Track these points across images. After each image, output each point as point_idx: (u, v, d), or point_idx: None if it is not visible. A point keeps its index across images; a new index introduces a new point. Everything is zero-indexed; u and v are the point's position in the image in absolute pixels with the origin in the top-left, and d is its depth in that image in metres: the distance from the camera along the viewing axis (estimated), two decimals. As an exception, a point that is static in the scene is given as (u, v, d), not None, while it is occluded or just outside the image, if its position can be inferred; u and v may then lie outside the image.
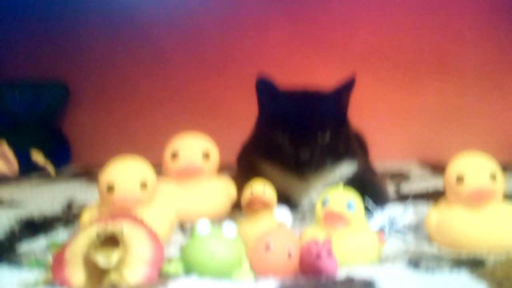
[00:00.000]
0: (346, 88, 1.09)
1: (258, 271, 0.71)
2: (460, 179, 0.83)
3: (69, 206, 1.19)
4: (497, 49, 1.89)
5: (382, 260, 0.78)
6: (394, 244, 0.86)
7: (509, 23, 1.89)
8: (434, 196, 1.10)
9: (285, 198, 1.06)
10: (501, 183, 0.84)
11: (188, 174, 1.07)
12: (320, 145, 1.05)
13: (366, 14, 1.91)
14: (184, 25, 1.96)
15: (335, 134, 1.07)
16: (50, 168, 1.72)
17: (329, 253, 0.68)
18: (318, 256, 0.67)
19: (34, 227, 1.00)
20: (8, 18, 1.98)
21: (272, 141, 1.07)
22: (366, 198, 0.93)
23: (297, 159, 1.03)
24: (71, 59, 1.98)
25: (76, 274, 0.67)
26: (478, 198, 0.82)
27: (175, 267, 0.70)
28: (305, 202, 1.11)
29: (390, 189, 1.34)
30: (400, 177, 1.54)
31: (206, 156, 1.08)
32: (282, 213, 0.97)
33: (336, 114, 1.10)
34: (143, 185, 0.89)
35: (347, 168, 1.12)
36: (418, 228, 0.94)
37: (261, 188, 0.86)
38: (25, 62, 1.99)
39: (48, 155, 1.75)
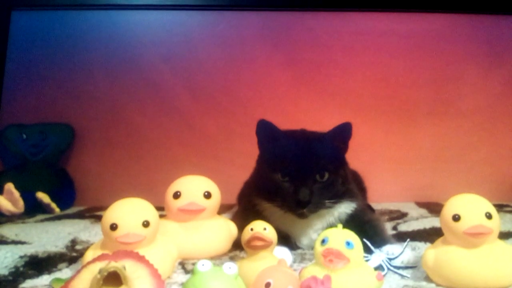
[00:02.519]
0: (342, 131, 1.12)
1: (258, 309, 0.71)
2: (456, 219, 0.84)
3: (73, 244, 1.20)
4: (490, 94, 1.95)
5: (380, 298, 0.78)
6: (392, 282, 0.87)
7: (501, 70, 1.94)
8: (431, 236, 1.11)
9: (285, 238, 1.07)
10: (496, 222, 0.85)
11: (190, 213, 1.08)
12: (319, 186, 1.07)
13: (361, 61, 1.97)
14: (188, 70, 2.00)
15: (334, 175, 1.09)
16: (55, 208, 1.73)
17: (328, 290, 0.69)
18: (317, 293, 0.68)
19: (38, 264, 1.01)
20: (16, 61, 2.02)
21: (271, 181, 1.09)
22: (365, 237, 0.94)
23: (296, 199, 1.05)
24: (77, 101, 2.01)
25: (79, 311, 0.67)
26: (474, 237, 0.83)
27: (176, 304, 0.71)
28: (304, 241, 1.12)
29: (388, 228, 1.35)
30: (397, 216, 1.55)
31: (208, 195, 1.10)
32: (282, 252, 0.99)
33: (334, 155, 1.12)
34: (146, 224, 0.91)
35: (345, 208, 1.14)
36: (416, 267, 0.95)
37: (262, 226, 0.88)
38: (32, 104, 2.01)
39: (53, 195, 1.76)
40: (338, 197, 1.11)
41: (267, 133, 1.13)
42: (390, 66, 1.96)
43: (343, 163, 1.15)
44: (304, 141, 1.12)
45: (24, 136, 1.89)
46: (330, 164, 1.09)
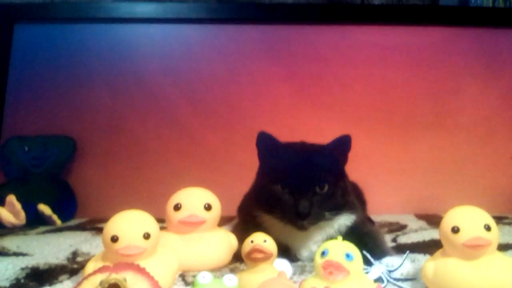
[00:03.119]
0: (341, 143, 1.13)
1: (258, 321, 0.72)
2: (455, 230, 0.85)
3: (74, 256, 1.20)
4: (488, 107, 1.96)
5: (379, 310, 0.79)
6: (392, 295, 0.87)
7: (500, 83, 1.95)
8: (431, 247, 1.11)
9: (285, 250, 1.08)
10: (495, 234, 0.85)
11: (190, 225, 1.09)
12: (319, 197, 1.07)
13: (361, 74, 1.98)
14: (189, 83, 2.01)
15: (333, 186, 1.09)
16: (56, 220, 1.74)
17: (328, 302, 0.69)
18: (317, 305, 0.68)
19: (39, 276, 1.02)
20: (19, 74, 2.04)
21: (271, 193, 1.09)
22: (364, 249, 0.94)
23: (296, 211, 1.05)
24: (79, 114, 2.01)
25: (80, 323, 0.68)
26: (473, 248, 0.83)
27: (176, 316, 0.71)
28: (304, 253, 1.12)
29: (388, 240, 1.35)
30: (397, 228, 1.55)
31: (208, 208, 1.11)
32: (282, 264, 0.99)
33: (334, 167, 1.13)
34: (146, 236, 0.91)
35: (345, 220, 1.14)
36: (415, 279, 0.95)
37: (262, 238, 0.88)
38: (34, 116, 2.02)
39: (54, 207, 1.76)
40: (338, 209, 1.12)
41: (267, 145, 1.14)
42: (389, 79, 1.97)
43: (342, 175, 1.16)
44: (304, 153, 1.13)
45: (26, 148, 1.89)
46: (330, 176, 1.09)
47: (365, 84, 1.97)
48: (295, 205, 1.05)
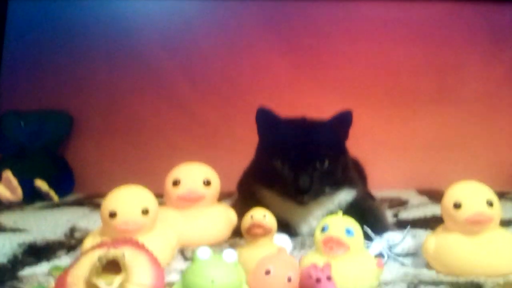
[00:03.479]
0: (342, 119, 1.12)
1: (258, 296, 0.71)
2: (457, 206, 0.84)
3: (72, 232, 1.19)
4: (491, 82, 1.93)
5: (380, 285, 0.79)
6: (393, 270, 0.87)
7: (503, 58, 1.93)
8: (432, 223, 1.11)
9: (284, 225, 1.07)
10: (497, 210, 0.85)
11: (189, 200, 1.08)
12: (319, 173, 1.06)
13: (363, 48, 1.96)
14: (187, 57, 1.99)
15: (334, 162, 1.09)
16: (53, 196, 1.73)
17: (329, 277, 0.68)
18: (318, 280, 0.67)
19: (36, 252, 1.01)
20: (14, 49, 2.01)
21: (271, 168, 1.08)
22: (365, 224, 0.94)
23: (296, 186, 1.04)
24: (76, 89, 2.00)
25: (78, 299, 0.67)
26: (475, 224, 0.83)
27: (175, 292, 0.71)
28: (304, 229, 1.12)
29: (389, 215, 1.35)
30: (398, 204, 1.55)
31: (207, 183, 1.10)
32: (282, 239, 0.99)
33: (335, 143, 1.12)
34: (145, 212, 0.91)
35: (346, 195, 1.14)
36: (416, 254, 0.95)
37: (262, 214, 0.87)
38: (30, 92, 2.01)
39: (51, 183, 1.76)
40: (338, 184, 1.11)
41: (266, 120, 1.13)
42: (391, 54, 1.95)
43: (343, 150, 1.15)
44: (304, 128, 1.12)
45: (22, 123, 1.88)
46: (330, 151, 1.09)
47: (366, 59, 1.95)
48: (295, 180, 1.05)
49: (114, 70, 2.00)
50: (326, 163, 1.07)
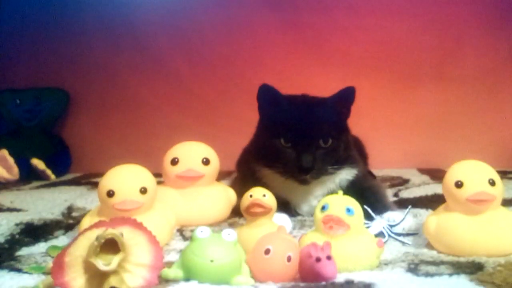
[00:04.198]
0: (345, 96, 1.10)
1: (258, 276, 0.71)
2: (459, 185, 0.83)
3: (69, 212, 1.19)
4: (495, 58, 1.91)
5: (381, 265, 0.78)
6: (393, 249, 0.87)
7: (507, 33, 1.90)
8: (433, 202, 1.10)
9: (284, 204, 1.07)
10: (499, 189, 0.84)
11: (188, 179, 1.08)
12: (322, 151, 1.05)
13: (364, 23, 1.93)
14: (186, 34, 1.97)
15: (337, 140, 1.08)
16: (50, 175, 1.73)
17: (329, 257, 0.68)
18: (318, 259, 0.67)
19: (34, 231, 1.01)
20: (9, 26, 1.99)
21: (273, 147, 1.07)
22: (366, 203, 0.93)
23: (299, 165, 1.03)
24: (72, 66, 1.99)
25: (76, 279, 0.67)
26: (477, 203, 0.82)
27: (174, 271, 0.70)
28: (304, 208, 1.11)
29: (390, 194, 1.34)
30: (399, 183, 1.55)
31: (206, 162, 1.09)
32: (282, 219, 0.98)
33: (337, 121, 1.11)
34: (143, 191, 0.90)
35: (346, 174, 1.13)
36: (417, 234, 0.94)
37: (261, 193, 0.87)
38: (26, 69, 1.99)
39: (48, 161, 1.75)
40: (341, 163, 1.10)
41: (269, 98, 1.11)
42: (393, 30, 1.92)
43: (345, 128, 1.14)
44: (307, 106, 1.10)
45: (18, 101, 1.87)
46: (333, 129, 1.07)
47: (368, 35, 1.92)
48: (298, 159, 1.03)
49: (111, 47, 1.98)
50: (330, 141, 1.06)
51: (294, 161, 1.04)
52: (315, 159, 1.04)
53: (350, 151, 1.14)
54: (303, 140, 1.04)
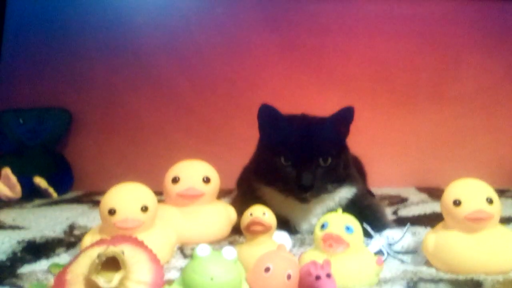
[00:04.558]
0: (344, 115, 1.11)
1: (258, 293, 0.71)
2: (457, 203, 0.84)
3: (71, 230, 1.19)
4: (492, 77, 1.92)
5: (380, 283, 0.78)
6: (392, 267, 0.87)
7: (504, 53, 1.92)
8: (432, 220, 1.10)
9: (284, 223, 1.07)
10: (497, 207, 0.84)
11: (189, 198, 1.08)
12: (322, 170, 1.06)
13: (362, 45, 1.94)
14: (186, 55, 1.98)
15: (336, 159, 1.08)
16: (53, 193, 1.73)
17: (328, 274, 0.68)
18: (318, 277, 0.67)
19: (35, 249, 1.01)
20: (13, 45, 2.00)
21: (273, 165, 1.08)
22: (365, 221, 0.93)
23: (299, 184, 1.04)
24: (74, 86, 1.99)
25: (77, 296, 0.67)
26: (475, 222, 0.83)
27: (175, 289, 0.71)
28: (304, 226, 1.12)
29: (388, 212, 1.35)
30: (398, 201, 1.55)
31: (207, 180, 1.09)
32: (282, 237, 0.98)
33: (337, 140, 1.12)
34: (144, 209, 0.90)
35: (346, 192, 1.13)
36: (416, 252, 0.94)
37: (261, 211, 0.87)
38: (29, 88, 1.99)
39: (50, 180, 1.75)
40: (340, 181, 1.11)
41: (269, 117, 1.12)
42: (391, 50, 1.94)
43: (344, 147, 1.15)
44: (307, 125, 1.11)
45: (21, 120, 1.88)
46: (333, 148, 1.09)
47: (366, 55, 1.94)
48: (298, 178, 1.04)
49: (112, 67, 1.99)
50: (329, 160, 1.07)
51: (294, 180, 1.05)
52: (315, 177, 1.05)
53: (349, 169, 1.15)
54: (303, 158, 1.05)
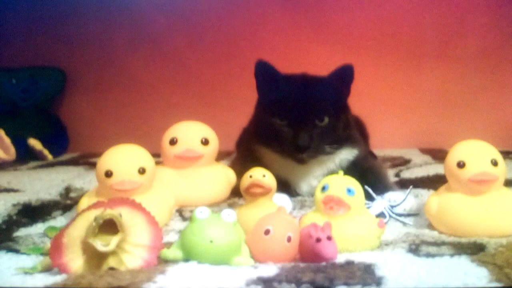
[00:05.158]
0: (343, 74, 1.08)
1: (258, 256, 0.71)
2: (461, 165, 0.82)
3: (67, 192, 1.18)
4: (498, 36, 1.88)
5: (382, 245, 0.78)
6: (394, 230, 0.86)
7: (510, 11, 1.87)
8: (435, 183, 1.10)
9: (284, 185, 1.06)
10: (502, 169, 0.83)
11: (187, 159, 1.07)
12: (319, 130, 1.04)
13: (365, 1, 1.90)
14: (183, 12, 1.94)
15: (334, 119, 1.06)
16: (48, 155, 1.72)
17: (329, 237, 0.68)
18: (318, 240, 0.67)
19: (31, 212, 1.00)
20: (4, 5, 1.96)
21: (270, 126, 1.06)
22: (366, 184, 0.92)
23: (295, 144, 1.02)
24: (69, 45, 1.96)
25: (74, 259, 0.66)
26: (479, 184, 0.81)
27: (174, 252, 0.70)
28: (304, 188, 1.11)
29: (391, 174, 1.34)
30: (400, 163, 1.54)
31: (205, 142, 1.08)
32: (282, 199, 0.98)
33: (335, 99, 1.09)
34: (142, 171, 0.89)
35: (347, 154, 1.12)
36: (418, 214, 0.94)
37: (261, 173, 0.86)
38: (22, 48, 1.97)
39: (45, 141, 1.74)
40: (339, 142, 1.09)
41: (265, 75, 1.10)
42: (395, 7, 1.88)
43: (344, 107, 1.13)
44: (303, 84, 1.09)
45: (14, 80, 1.85)
46: (330, 108, 1.06)
47: (369, 12, 1.89)
48: (294, 138, 1.03)
49: (107, 26, 1.95)
50: (326, 120, 1.05)
51: (291, 140, 1.03)
52: (312, 137, 1.03)
53: (350, 130, 1.13)
54: (300, 118, 1.03)
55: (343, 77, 1.09)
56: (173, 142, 1.07)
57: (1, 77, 1.85)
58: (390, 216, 0.92)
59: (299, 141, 1.02)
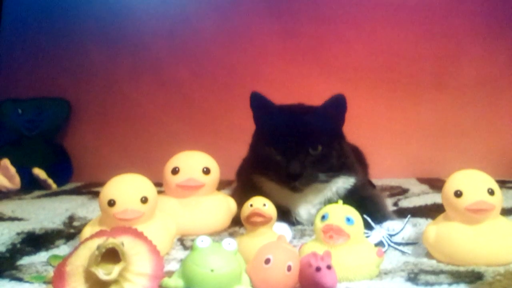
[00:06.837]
0: (335, 103, 1.10)
1: (258, 285, 0.71)
2: (458, 195, 0.83)
3: (70, 221, 1.19)
4: (493, 67, 1.91)
5: (380, 274, 0.78)
6: (393, 259, 0.86)
7: (505, 42, 1.91)
8: (433, 212, 1.10)
9: (284, 214, 1.06)
10: (499, 198, 0.84)
11: (189, 189, 1.08)
12: (312, 159, 1.05)
13: (363, 33, 1.94)
14: (186, 43, 1.97)
15: (328, 148, 1.07)
16: (52, 184, 1.73)
17: (329, 266, 0.68)
18: (318, 269, 0.67)
19: (35, 241, 1.01)
20: (10, 36, 2.00)
21: (266, 155, 1.08)
22: (365, 212, 0.93)
23: (287, 172, 1.03)
24: (74, 75, 1.99)
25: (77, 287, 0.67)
26: (476, 213, 0.82)
27: (175, 281, 0.70)
28: (304, 217, 1.11)
29: (389, 203, 1.34)
30: (399, 192, 1.55)
31: (207, 171, 1.09)
32: (282, 228, 0.98)
33: (328, 128, 1.10)
34: (144, 200, 0.90)
35: (343, 182, 1.12)
36: (416, 243, 0.94)
37: (261, 202, 0.87)
38: (27, 78, 2.00)
39: (49, 171, 1.75)
40: (334, 171, 1.10)
41: (260, 106, 1.12)
42: (392, 39, 1.93)
43: (338, 136, 1.14)
44: (296, 114, 1.11)
45: (20, 111, 1.87)
46: (323, 136, 1.08)
47: (367, 44, 1.93)
48: (286, 166, 1.04)
49: (111, 56, 1.98)
50: (319, 148, 1.06)
51: (284, 168, 1.04)
52: (304, 166, 1.04)
53: (345, 159, 1.13)
54: (292, 147, 1.05)
55: (336, 106, 1.10)
56: (175, 171, 1.08)
57: (7, 108, 1.88)
58: (389, 245, 0.92)
59: (290, 169, 1.03)
